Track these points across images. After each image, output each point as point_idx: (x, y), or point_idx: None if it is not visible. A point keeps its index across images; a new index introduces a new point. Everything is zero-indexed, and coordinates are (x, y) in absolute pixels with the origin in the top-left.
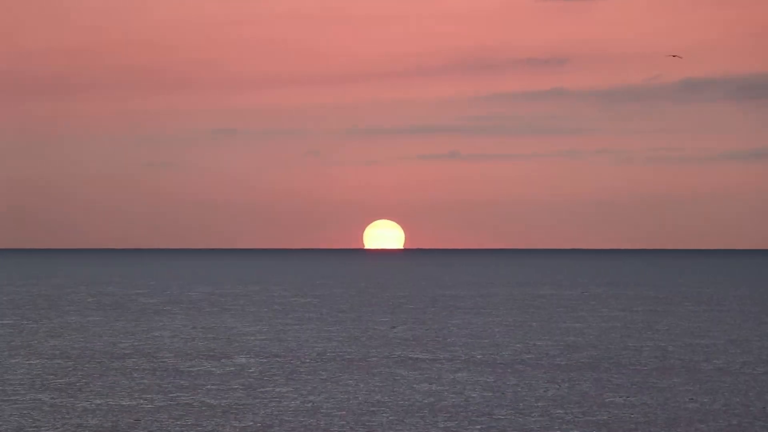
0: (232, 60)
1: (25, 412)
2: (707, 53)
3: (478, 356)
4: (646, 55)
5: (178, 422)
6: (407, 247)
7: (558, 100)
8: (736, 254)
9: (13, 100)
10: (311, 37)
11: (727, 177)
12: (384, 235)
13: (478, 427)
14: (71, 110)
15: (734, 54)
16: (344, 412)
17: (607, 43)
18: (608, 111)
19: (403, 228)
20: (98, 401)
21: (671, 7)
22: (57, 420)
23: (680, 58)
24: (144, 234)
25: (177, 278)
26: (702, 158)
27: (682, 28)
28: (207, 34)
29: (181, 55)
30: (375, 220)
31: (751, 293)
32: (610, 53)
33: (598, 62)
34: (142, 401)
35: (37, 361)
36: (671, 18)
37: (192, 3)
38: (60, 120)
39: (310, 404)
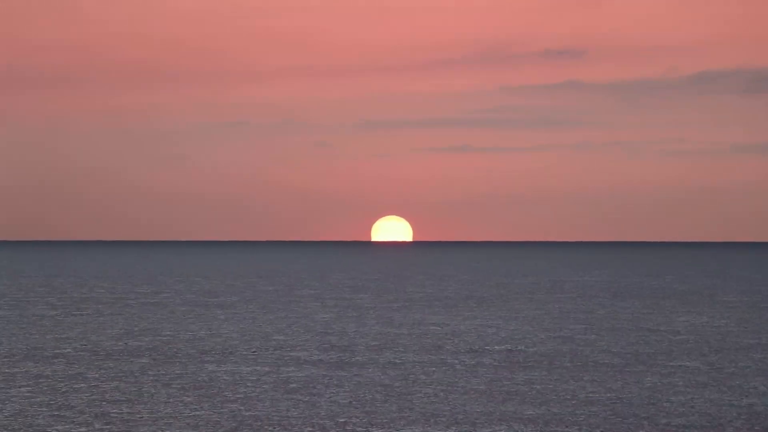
0: (240, 52)
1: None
2: (724, 46)
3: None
4: (663, 47)
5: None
6: (416, 239)
7: (572, 93)
8: (748, 247)
9: (22, 94)
10: (322, 28)
11: (740, 169)
12: (393, 227)
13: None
14: (76, 103)
15: (750, 47)
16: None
17: (624, 35)
18: (622, 103)
19: (412, 221)
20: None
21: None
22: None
23: None
24: (149, 228)
25: (204, 272)
26: (714, 151)
27: (699, 20)
28: (215, 25)
29: (188, 47)
30: (384, 212)
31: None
32: (626, 45)
33: (613, 54)
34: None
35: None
36: (687, 10)
37: None
38: (64, 113)
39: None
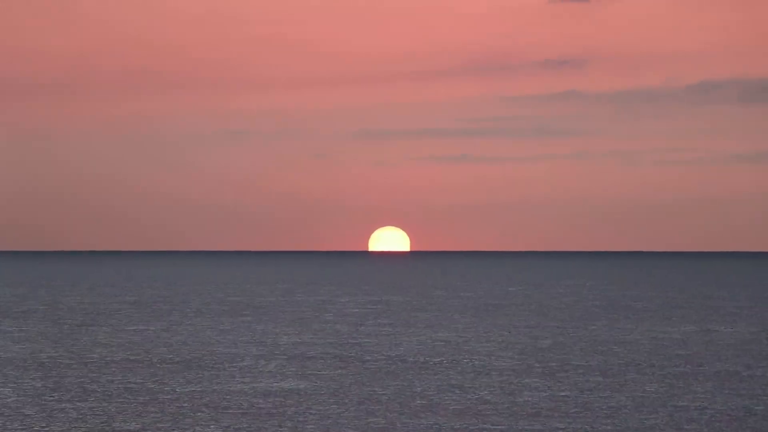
0: (238, 60)
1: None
2: (723, 56)
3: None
4: (662, 57)
5: None
6: (414, 249)
7: (571, 102)
8: (746, 257)
9: (22, 100)
10: (321, 38)
11: (738, 179)
12: (390, 237)
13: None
14: (75, 111)
15: (749, 56)
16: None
17: (623, 45)
18: (620, 113)
19: (410, 230)
20: None
21: (686, 9)
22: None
23: None
24: (149, 236)
25: (201, 282)
26: (713, 160)
27: (698, 30)
28: (215, 34)
29: (188, 55)
30: (381, 222)
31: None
32: (625, 56)
33: (613, 65)
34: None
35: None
36: (687, 20)
37: (200, 2)
38: (64, 121)
39: None
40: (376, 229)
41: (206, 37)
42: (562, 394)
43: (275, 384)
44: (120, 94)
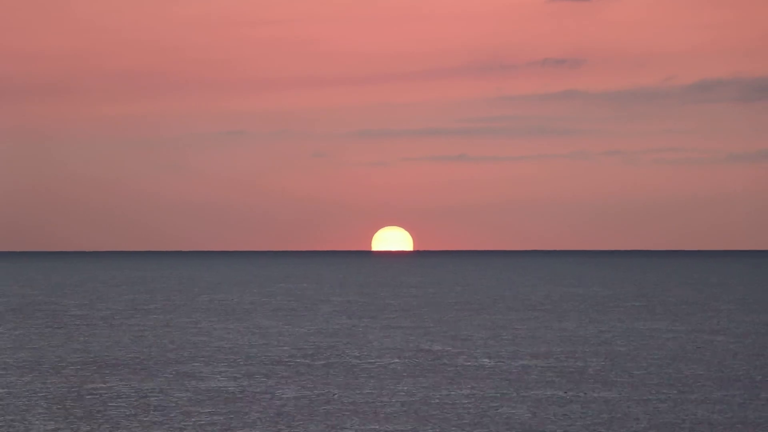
0: (238, 61)
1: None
2: (721, 55)
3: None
4: (660, 56)
5: None
6: (416, 249)
7: (569, 102)
8: (743, 255)
9: (19, 102)
10: (319, 39)
11: (735, 178)
12: (393, 237)
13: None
14: (76, 112)
15: (747, 56)
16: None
17: (622, 45)
18: (620, 112)
19: (411, 231)
20: None
21: (686, 9)
22: None
23: None
24: (149, 236)
25: (202, 283)
26: (711, 159)
27: (696, 30)
28: (214, 35)
29: (188, 57)
30: (383, 221)
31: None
32: (624, 55)
33: (612, 64)
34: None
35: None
36: (685, 20)
37: (199, 3)
38: (64, 122)
39: None
40: (379, 229)
41: (205, 38)
42: (559, 394)
43: (271, 385)
44: (120, 95)
